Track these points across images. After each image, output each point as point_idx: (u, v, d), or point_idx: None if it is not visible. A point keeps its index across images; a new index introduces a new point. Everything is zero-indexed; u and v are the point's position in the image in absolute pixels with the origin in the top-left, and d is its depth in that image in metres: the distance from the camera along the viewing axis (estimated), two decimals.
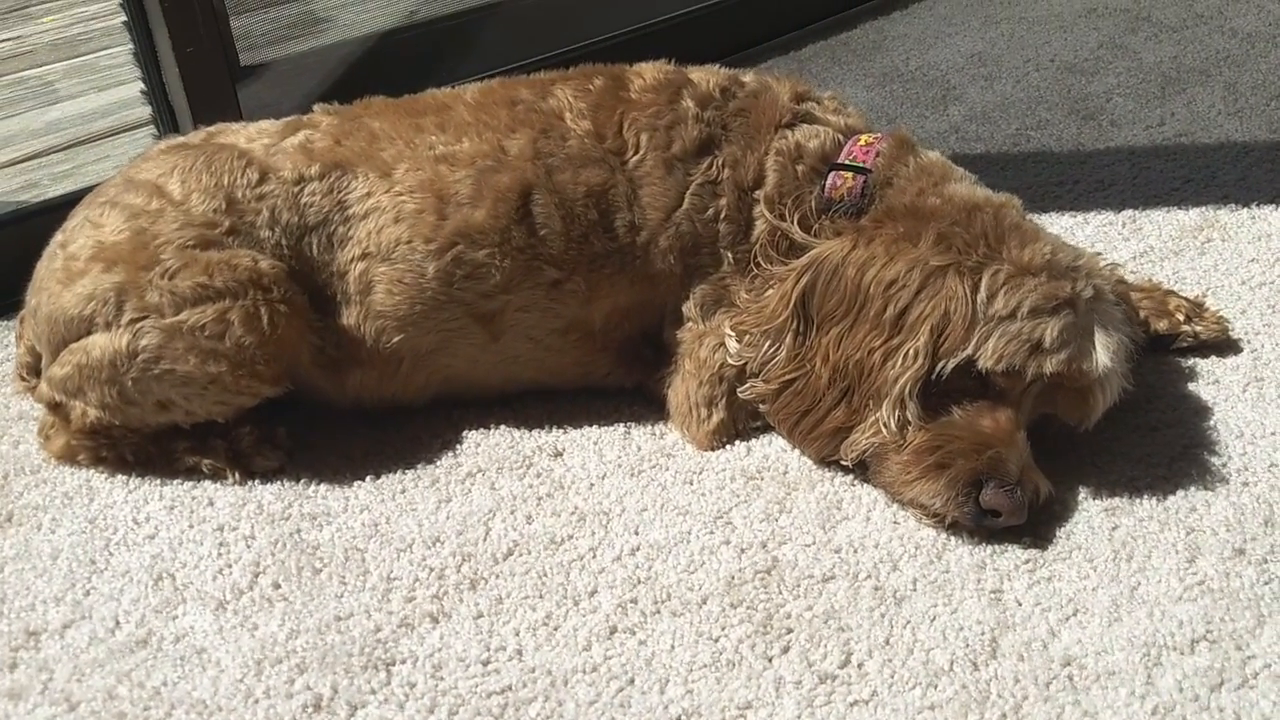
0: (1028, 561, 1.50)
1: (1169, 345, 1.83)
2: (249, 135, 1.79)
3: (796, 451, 1.71)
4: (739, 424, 1.76)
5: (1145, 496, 1.58)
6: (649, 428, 1.81)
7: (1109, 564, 1.49)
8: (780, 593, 1.49)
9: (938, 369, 1.53)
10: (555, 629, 1.45)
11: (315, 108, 1.83)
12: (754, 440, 1.76)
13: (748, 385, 1.70)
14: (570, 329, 1.77)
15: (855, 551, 1.54)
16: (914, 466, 1.55)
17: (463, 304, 1.71)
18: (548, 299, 1.73)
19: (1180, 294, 1.88)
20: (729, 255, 1.74)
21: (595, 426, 1.81)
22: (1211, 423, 1.69)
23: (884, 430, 1.56)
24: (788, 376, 1.65)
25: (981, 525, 1.52)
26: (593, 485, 1.69)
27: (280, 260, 1.68)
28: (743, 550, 1.56)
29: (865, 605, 1.46)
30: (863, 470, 1.64)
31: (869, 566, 1.52)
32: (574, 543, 1.59)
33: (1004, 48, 3.04)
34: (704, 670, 1.39)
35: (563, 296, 1.74)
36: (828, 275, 1.62)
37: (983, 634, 1.41)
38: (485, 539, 1.60)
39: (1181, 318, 1.82)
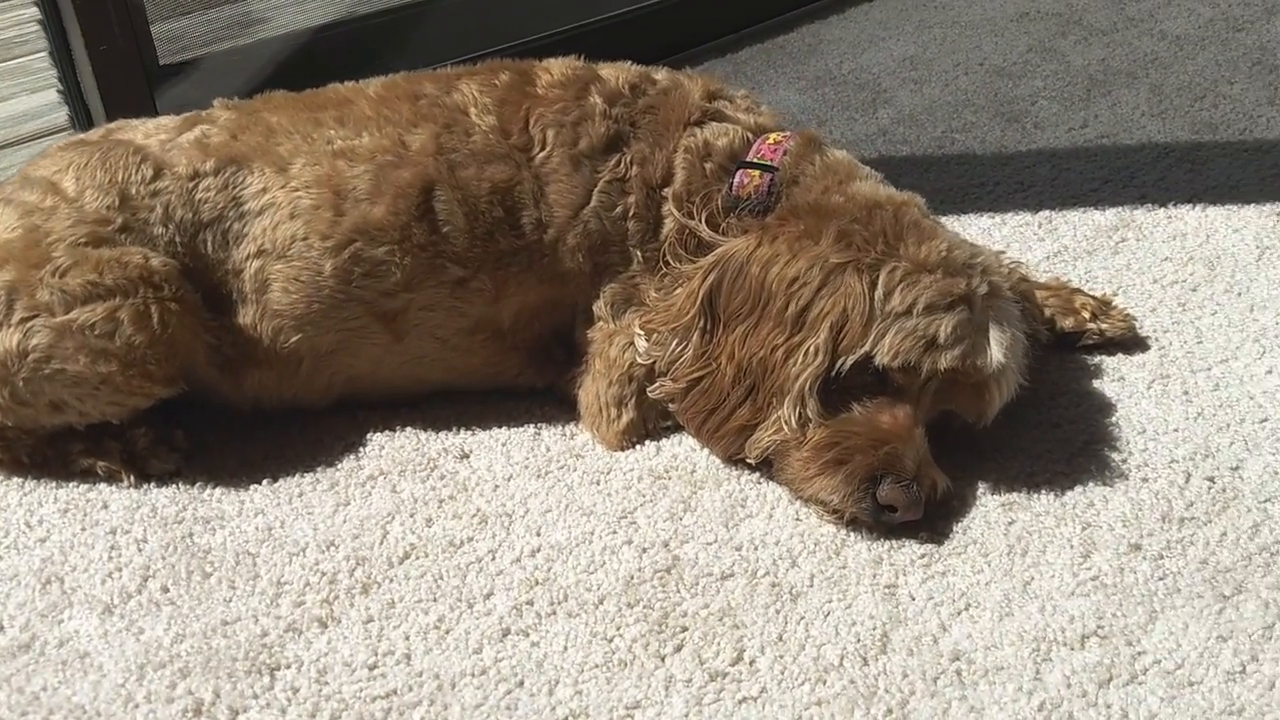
0: (923, 556, 1.50)
1: (1075, 343, 1.84)
2: (146, 131, 1.76)
3: (706, 450, 1.70)
4: (649, 423, 1.75)
5: (1043, 492, 1.58)
6: (559, 429, 1.79)
7: (1003, 559, 1.48)
8: (678, 591, 1.47)
9: (838, 366, 1.53)
10: (447, 632, 1.43)
11: (215, 103, 1.80)
12: (664, 440, 1.74)
13: (657, 384, 1.69)
14: (478, 328, 1.75)
15: (756, 549, 1.53)
16: (814, 463, 1.54)
17: (362, 302, 1.68)
18: (452, 298, 1.71)
19: (1088, 292, 1.89)
20: (638, 254, 1.73)
21: (504, 428, 1.79)
22: (1114, 419, 1.70)
23: (785, 427, 1.55)
24: (695, 375, 1.64)
25: (879, 521, 1.51)
26: (498, 487, 1.67)
27: (174, 258, 1.65)
28: (644, 550, 1.54)
29: (761, 602, 1.45)
30: (768, 468, 1.63)
31: (768, 563, 1.51)
32: (473, 545, 1.56)
33: (936, 52, 3.05)
34: (595, 671, 1.37)
35: (468, 295, 1.71)
36: (733, 273, 1.61)
37: (875, 629, 1.40)
38: (382, 542, 1.57)
39: (1088, 315, 1.83)
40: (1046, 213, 2.23)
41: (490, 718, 1.32)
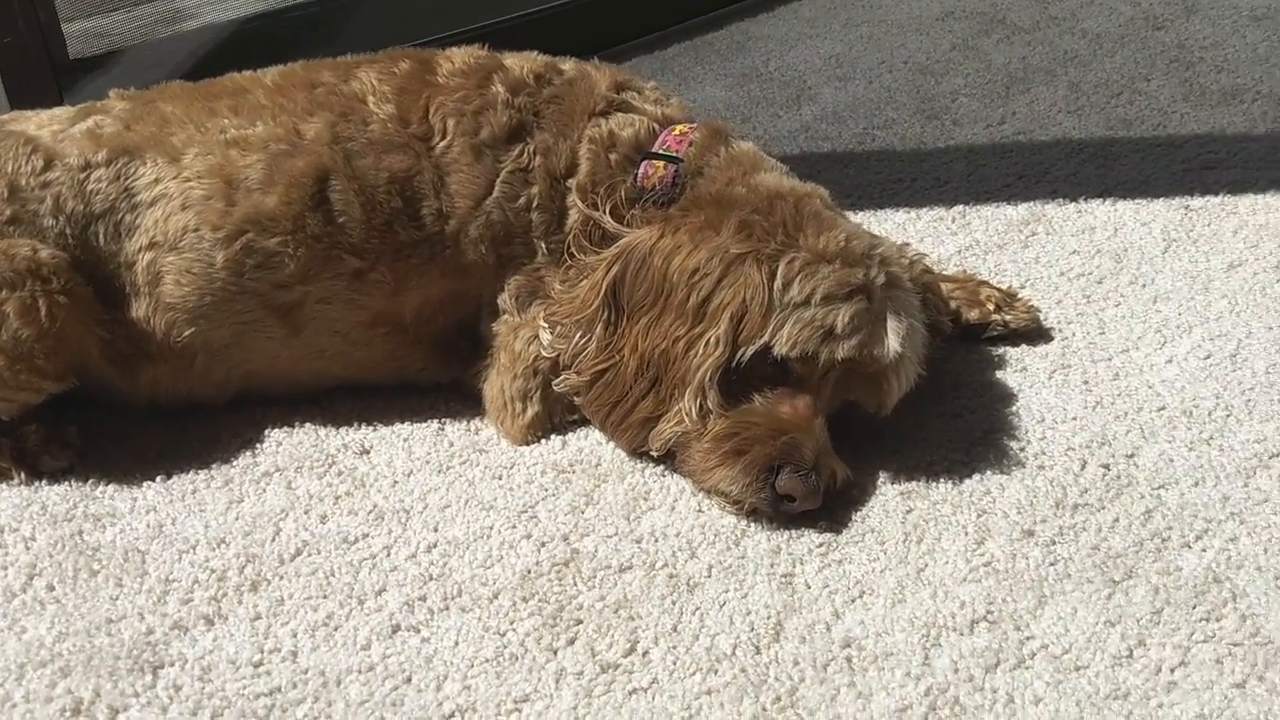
0: (821, 545, 1.50)
1: (980, 335, 1.85)
2: (39, 122, 1.72)
3: (611, 444, 1.69)
4: (555, 417, 1.73)
5: (942, 481, 1.58)
6: (464, 423, 1.77)
7: (899, 546, 1.49)
8: (575, 584, 1.46)
9: (738, 356, 1.53)
10: (335, 629, 1.41)
11: (111, 93, 1.77)
12: (570, 434, 1.73)
13: (561, 378, 1.67)
14: (378, 322, 1.73)
15: (656, 541, 1.52)
16: (714, 454, 1.54)
17: (256, 295, 1.65)
18: (350, 290, 1.69)
19: (994, 285, 1.90)
20: (543, 245, 1.72)
21: (407, 423, 1.77)
22: (1014, 409, 1.71)
23: (687, 419, 1.55)
24: (599, 367, 1.63)
25: (778, 511, 1.51)
26: (396, 483, 1.65)
27: (64, 250, 1.62)
28: (543, 544, 1.53)
29: (658, 594, 1.44)
30: (671, 460, 1.63)
31: (667, 555, 1.50)
32: (368, 541, 1.54)
33: (861, 49, 3.07)
34: (485, 665, 1.36)
35: (366, 288, 1.69)
36: (636, 264, 1.60)
37: (769, 618, 1.39)
38: (274, 539, 1.54)
39: (992, 307, 1.84)
40: (960, 207, 2.25)
41: (375, 714, 1.30)
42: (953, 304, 1.83)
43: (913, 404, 1.63)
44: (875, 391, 1.56)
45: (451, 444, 1.73)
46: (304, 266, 1.65)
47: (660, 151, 1.72)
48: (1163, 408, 1.70)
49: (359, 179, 1.66)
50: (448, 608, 1.43)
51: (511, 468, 1.67)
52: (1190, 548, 1.46)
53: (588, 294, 1.64)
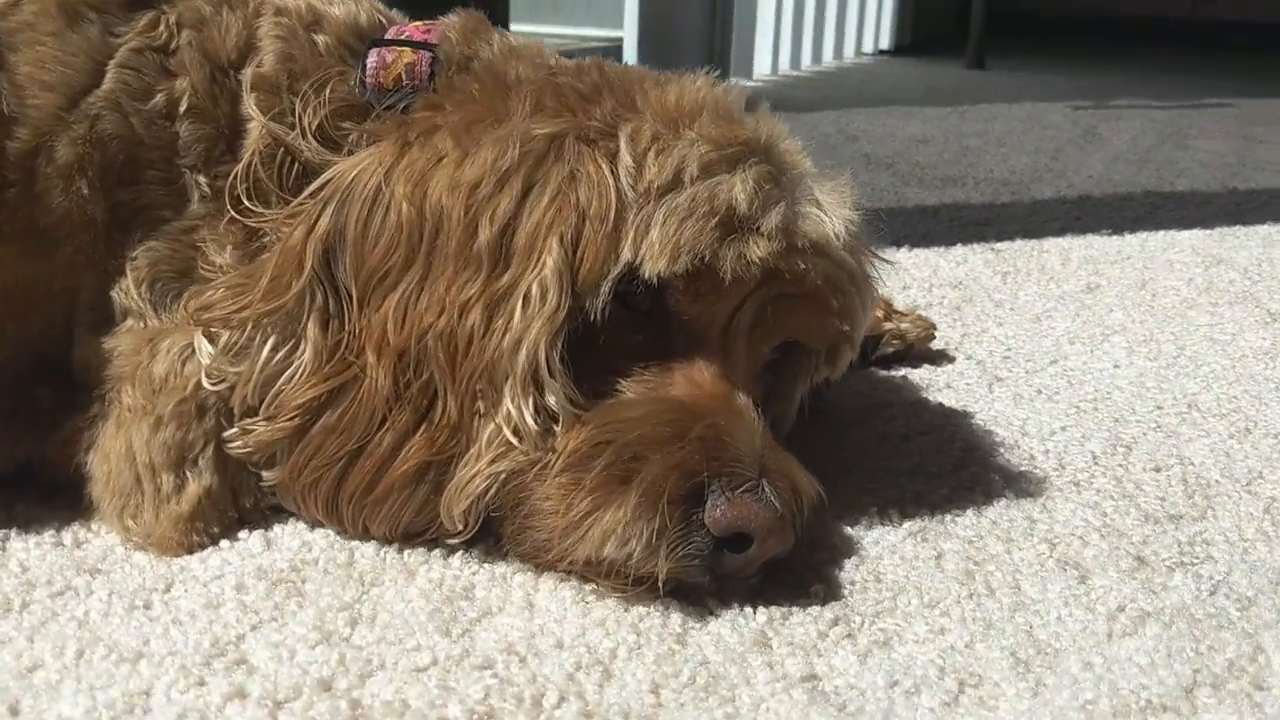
0: (838, 622, 0.79)
1: (869, 354, 1.28)
2: None
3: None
4: (244, 496, 0.91)
5: (950, 511, 0.96)
6: (51, 535, 0.88)
7: (967, 603, 0.82)
8: None
9: (585, 309, 0.84)
10: None
11: None
12: (279, 526, 0.90)
13: (237, 430, 0.88)
14: None
15: (514, 667, 0.73)
16: (577, 492, 0.81)
17: None
18: None
19: None
20: (199, 182, 0.94)
21: None
22: (977, 424, 1.14)
23: (513, 439, 0.82)
24: (314, 394, 0.86)
25: (721, 573, 0.80)
26: None
27: None
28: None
29: None
30: (488, 541, 0.86)
31: (537, 692, 0.71)
32: None
33: None
34: None
35: None
36: (363, 207, 0.88)
37: None
38: None
39: (880, 314, 1.29)
40: None
41: None
42: None
43: (839, 432, 1.02)
44: (821, 324, 0.92)
45: (25, 569, 0.83)
46: None
47: (402, 38, 1.03)
48: (1159, 406, 1.20)
49: None
50: None
51: (168, 588, 0.81)
52: None
53: (281, 269, 0.88)
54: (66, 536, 0.88)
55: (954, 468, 1.04)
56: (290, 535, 0.89)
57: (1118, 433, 1.13)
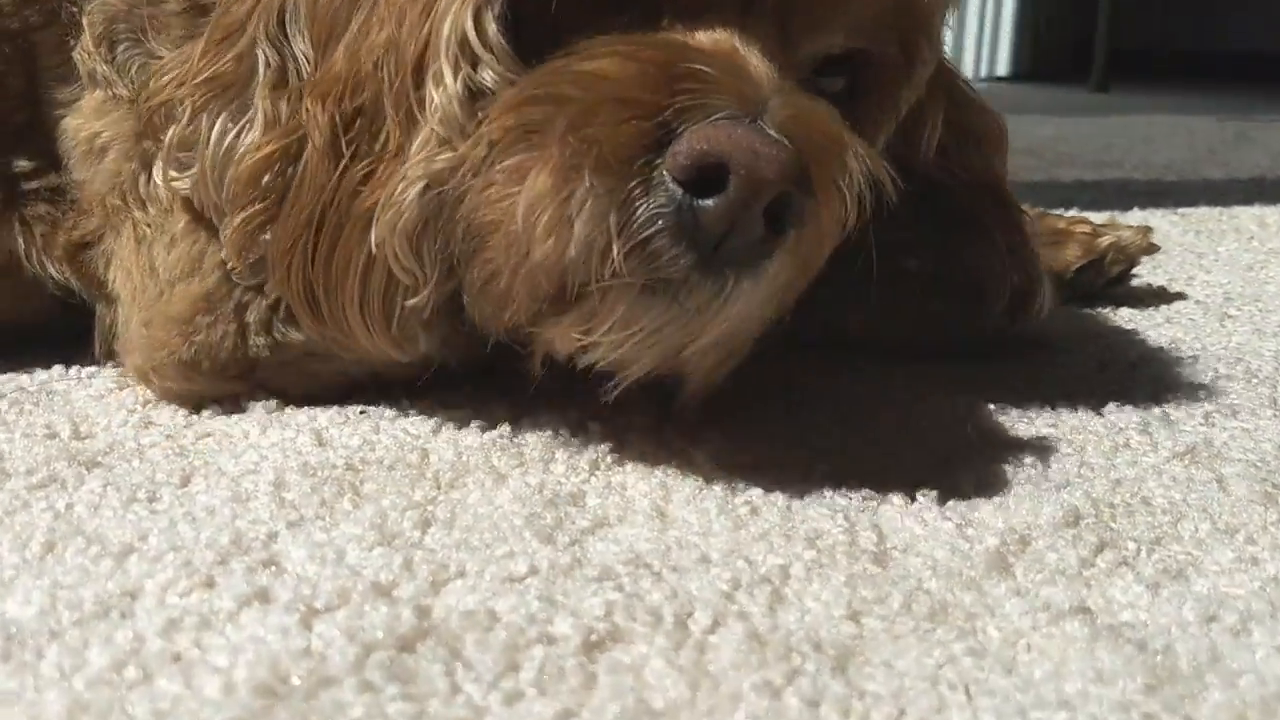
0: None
1: (1093, 283, 1.04)
2: None
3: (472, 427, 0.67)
4: (250, 338, 0.73)
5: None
6: (47, 426, 0.69)
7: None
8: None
9: None
10: None
11: None
12: (340, 425, 0.70)
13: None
14: None
15: (635, 586, 0.51)
16: (511, 155, 0.59)
17: None
18: None
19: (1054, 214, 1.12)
20: None
21: None
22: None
23: (439, 129, 0.61)
24: (262, 167, 0.67)
25: (699, 234, 0.55)
26: None
27: None
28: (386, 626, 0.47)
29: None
30: (605, 447, 0.65)
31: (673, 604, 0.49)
32: None
33: None
34: None
35: None
36: None
37: None
38: None
39: (1090, 230, 1.05)
40: None
41: None
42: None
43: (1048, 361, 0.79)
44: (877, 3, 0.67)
45: (12, 456, 0.64)
46: None
47: None
48: None
49: None
50: None
51: (184, 482, 0.61)
52: None
53: (216, 32, 0.71)
54: (63, 428, 0.69)
55: (1208, 394, 0.80)
56: (348, 433, 0.69)
57: None
